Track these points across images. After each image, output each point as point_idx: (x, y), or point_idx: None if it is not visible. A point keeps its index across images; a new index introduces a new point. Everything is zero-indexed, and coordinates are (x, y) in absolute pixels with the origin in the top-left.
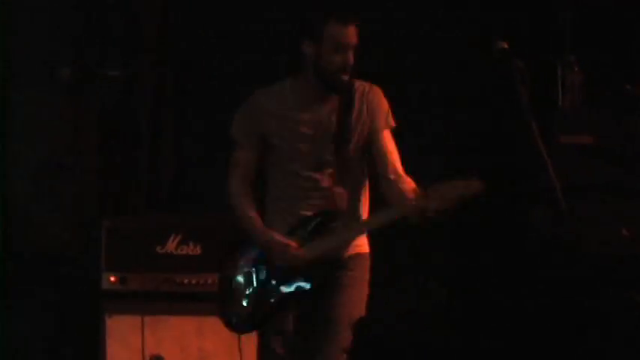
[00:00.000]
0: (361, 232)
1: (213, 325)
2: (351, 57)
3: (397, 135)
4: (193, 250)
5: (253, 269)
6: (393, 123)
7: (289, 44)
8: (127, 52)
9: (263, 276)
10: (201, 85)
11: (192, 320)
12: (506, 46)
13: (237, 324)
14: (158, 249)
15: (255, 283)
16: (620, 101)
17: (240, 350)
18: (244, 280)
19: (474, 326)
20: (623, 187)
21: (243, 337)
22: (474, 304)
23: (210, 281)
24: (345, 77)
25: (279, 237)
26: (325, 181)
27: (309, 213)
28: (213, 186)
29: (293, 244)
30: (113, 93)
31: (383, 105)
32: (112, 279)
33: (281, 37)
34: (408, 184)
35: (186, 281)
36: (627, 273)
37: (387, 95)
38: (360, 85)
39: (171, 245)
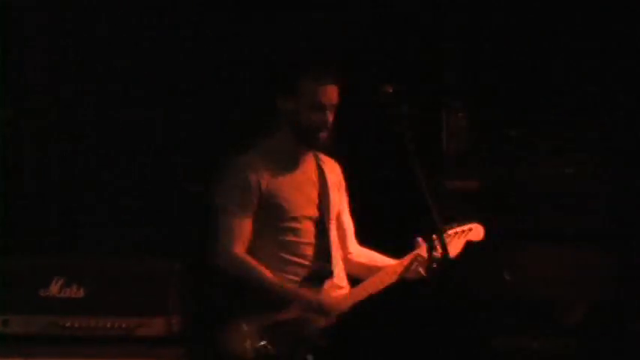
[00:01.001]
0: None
1: None
2: (329, 116)
3: None
4: (77, 292)
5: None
6: None
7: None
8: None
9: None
10: (81, 131)
11: None
12: (391, 90)
13: None
14: (41, 292)
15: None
16: (502, 147)
17: None
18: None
19: None
20: (509, 231)
21: None
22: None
23: (92, 324)
24: (324, 136)
25: (315, 294)
26: (316, 235)
27: (292, 259)
28: (97, 229)
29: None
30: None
31: (344, 183)
32: None
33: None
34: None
35: (69, 324)
36: (510, 317)
37: None
38: (321, 154)
39: (54, 288)
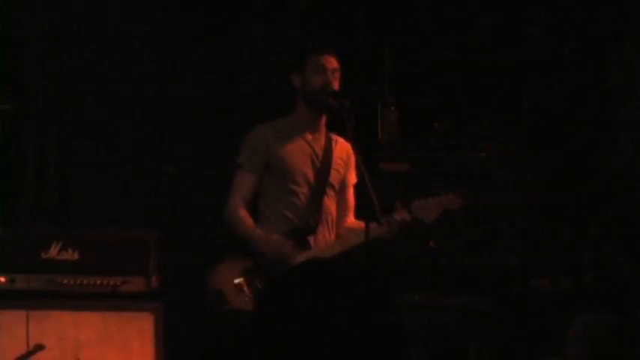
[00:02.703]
0: (348, 247)
1: (87, 318)
2: (331, 78)
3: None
4: (72, 255)
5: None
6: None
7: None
8: (17, 87)
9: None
10: (83, 109)
11: (70, 314)
12: (336, 88)
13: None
14: (42, 254)
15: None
16: (429, 136)
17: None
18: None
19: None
20: None
21: (115, 326)
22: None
23: (85, 282)
24: (329, 98)
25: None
26: (312, 200)
27: (290, 216)
28: (92, 201)
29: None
30: (4, 123)
31: (354, 162)
32: (3, 279)
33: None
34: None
35: (65, 281)
36: (435, 279)
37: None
38: (336, 136)
39: (53, 251)
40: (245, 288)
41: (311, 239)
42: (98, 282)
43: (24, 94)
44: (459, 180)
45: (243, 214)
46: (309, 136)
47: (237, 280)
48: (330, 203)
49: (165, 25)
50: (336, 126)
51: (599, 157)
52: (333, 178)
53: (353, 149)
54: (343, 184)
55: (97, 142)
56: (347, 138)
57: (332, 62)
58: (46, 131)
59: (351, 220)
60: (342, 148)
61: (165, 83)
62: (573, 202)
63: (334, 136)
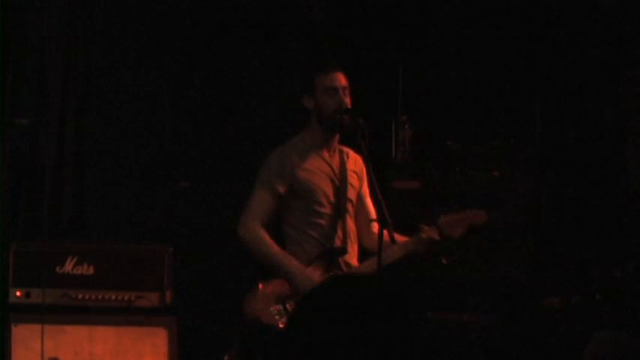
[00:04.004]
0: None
1: (102, 333)
2: (342, 97)
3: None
4: (87, 270)
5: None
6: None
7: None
8: (36, 103)
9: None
10: (99, 129)
11: (85, 329)
12: (349, 105)
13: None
14: (58, 269)
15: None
16: (442, 154)
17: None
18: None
19: None
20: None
21: (129, 341)
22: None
23: (100, 297)
24: (344, 116)
25: (309, 269)
26: (335, 218)
27: (316, 236)
28: (106, 217)
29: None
30: (23, 137)
31: (366, 173)
32: (18, 294)
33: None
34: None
35: (80, 296)
36: (447, 295)
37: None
38: (347, 149)
39: (68, 266)
40: (282, 316)
41: (340, 260)
42: (113, 297)
43: (42, 109)
44: (471, 198)
45: (262, 232)
46: (326, 154)
47: (273, 308)
48: (350, 219)
49: (179, 48)
50: (348, 139)
51: (611, 176)
52: (350, 193)
53: (366, 167)
54: (360, 196)
55: (112, 157)
56: (359, 154)
57: (341, 80)
58: (63, 146)
59: (376, 229)
60: (354, 161)
61: (181, 100)
62: (584, 220)
63: (345, 150)
